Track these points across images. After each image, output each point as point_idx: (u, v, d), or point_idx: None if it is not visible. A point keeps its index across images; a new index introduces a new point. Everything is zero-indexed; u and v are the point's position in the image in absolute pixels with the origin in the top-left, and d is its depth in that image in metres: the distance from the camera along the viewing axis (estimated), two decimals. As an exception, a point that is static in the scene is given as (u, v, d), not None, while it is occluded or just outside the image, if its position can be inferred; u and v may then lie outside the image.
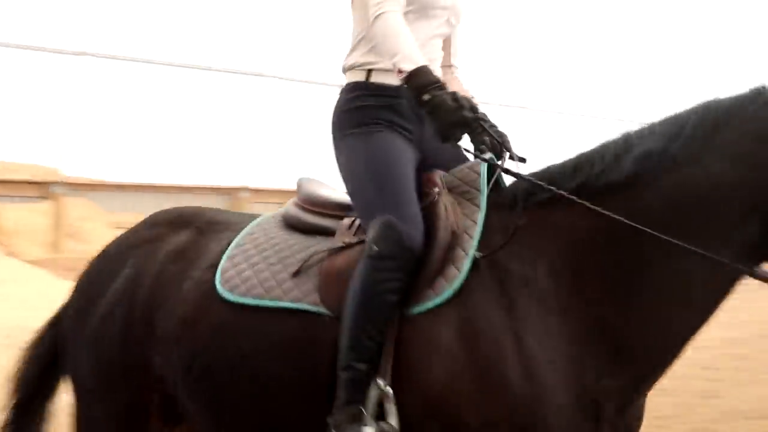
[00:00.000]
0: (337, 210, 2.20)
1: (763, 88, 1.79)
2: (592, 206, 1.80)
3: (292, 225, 2.22)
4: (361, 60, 2.17)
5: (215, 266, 2.14)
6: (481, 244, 1.90)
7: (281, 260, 2.09)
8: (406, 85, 1.96)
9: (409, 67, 1.94)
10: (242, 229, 2.25)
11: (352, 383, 1.84)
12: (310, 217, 2.21)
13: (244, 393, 2.01)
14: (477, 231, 1.93)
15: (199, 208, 2.47)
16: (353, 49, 2.21)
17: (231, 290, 2.06)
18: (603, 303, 1.80)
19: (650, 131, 1.87)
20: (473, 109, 1.88)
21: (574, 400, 1.77)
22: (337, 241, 2.08)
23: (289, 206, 2.29)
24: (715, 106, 1.82)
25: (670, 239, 1.72)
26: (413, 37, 2.01)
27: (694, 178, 1.76)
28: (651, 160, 1.80)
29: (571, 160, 1.97)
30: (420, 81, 1.91)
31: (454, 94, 1.88)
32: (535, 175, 1.97)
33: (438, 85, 1.91)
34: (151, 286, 2.19)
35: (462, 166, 2.12)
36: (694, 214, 1.75)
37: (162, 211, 2.48)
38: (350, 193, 2.13)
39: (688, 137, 1.79)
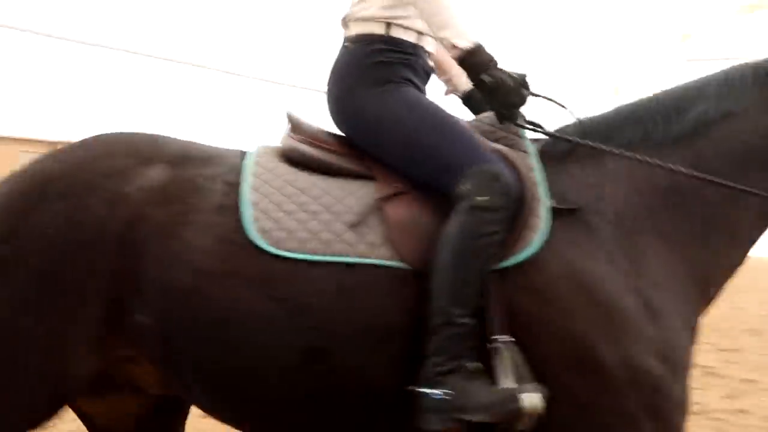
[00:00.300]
0: (356, 151, 2.01)
1: None
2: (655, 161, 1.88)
3: (310, 166, 1.98)
4: (380, 13, 2.03)
5: (225, 209, 1.84)
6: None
7: (327, 208, 1.86)
8: (460, 63, 1.88)
9: (464, 44, 1.87)
10: (229, 165, 1.95)
11: (457, 338, 1.73)
12: (334, 159, 1.99)
13: (296, 349, 1.77)
14: (539, 176, 1.90)
15: (149, 136, 2.03)
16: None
17: (275, 244, 1.80)
18: (685, 245, 1.89)
19: (697, 91, 1.98)
20: (526, 86, 1.88)
21: (690, 334, 1.87)
22: (386, 188, 1.91)
23: (293, 143, 2.02)
24: (754, 66, 1.99)
25: (734, 185, 1.87)
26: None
27: (745, 131, 1.93)
28: (707, 116, 1.94)
29: (611, 116, 2.02)
30: (478, 60, 1.85)
31: (511, 74, 1.85)
32: (582, 126, 2.00)
33: (495, 64, 1.87)
34: (123, 232, 1.81)
35: (489, 113, 2.03)
36: (746, 163, 1.92)
37: (104, 137, 2.02)
38: (396, 145, 1.95)
39: (737, 94, 1.95)
